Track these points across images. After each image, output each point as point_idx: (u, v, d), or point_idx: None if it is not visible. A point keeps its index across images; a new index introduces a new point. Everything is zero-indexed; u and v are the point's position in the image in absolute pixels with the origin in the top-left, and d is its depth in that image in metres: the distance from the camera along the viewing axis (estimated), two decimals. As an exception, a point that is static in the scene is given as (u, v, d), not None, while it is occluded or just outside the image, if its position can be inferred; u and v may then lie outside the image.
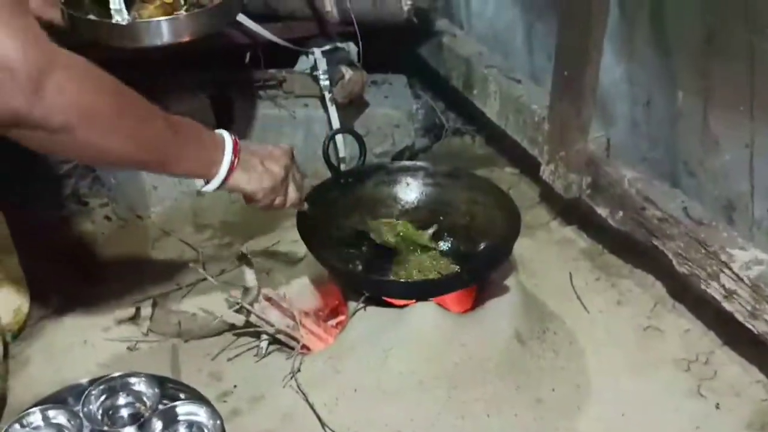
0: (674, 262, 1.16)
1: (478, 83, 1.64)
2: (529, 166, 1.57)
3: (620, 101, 1.29)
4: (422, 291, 1.11)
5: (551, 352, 1.17)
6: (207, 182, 0.94)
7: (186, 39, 1.16)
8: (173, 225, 1.51)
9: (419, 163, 1.32)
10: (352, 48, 1.58)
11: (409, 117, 1.67)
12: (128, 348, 1.19)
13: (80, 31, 1.16)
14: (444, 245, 1.24)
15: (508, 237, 1.12)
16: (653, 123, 1.25)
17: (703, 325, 1.22)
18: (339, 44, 1.50)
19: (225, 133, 0.96)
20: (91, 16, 1.19)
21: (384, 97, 1.66)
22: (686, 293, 1.24)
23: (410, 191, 1.31)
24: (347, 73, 1.44)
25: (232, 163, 0.94)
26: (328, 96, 1.46)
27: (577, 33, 1.20)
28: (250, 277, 1.15)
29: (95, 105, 0.76)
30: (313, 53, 1.49)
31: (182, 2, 1.26)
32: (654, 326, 1.24)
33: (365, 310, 1.14)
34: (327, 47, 1.50)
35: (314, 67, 1.50)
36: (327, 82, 1.47)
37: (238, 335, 1.19)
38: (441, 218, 1.28)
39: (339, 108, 1.48)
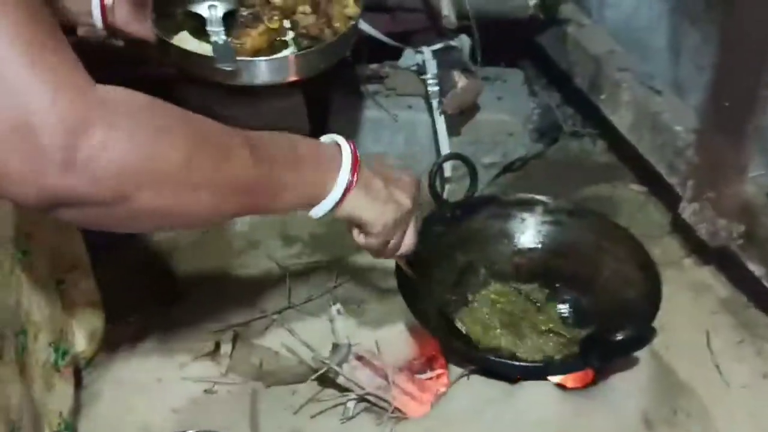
0: None
1: (608, 88, 1.43)
2: (660, 185, 1.36)
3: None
4: (540, 372, 0.96)
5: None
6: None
7: (293, 79, 1.03)
8: (259, 234, 1.39)
9: (537, 197, 1.14)
10: (464, 42, 1.39)
11: (524, 124, 1.48)
12: (205, 391, 1.08)
13: (172, 58, 1.04)
14: (563, 308, 1.07)
15: (647, 313, 0.94)
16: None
17: None
18: (452, 42, 1.31)
19: (340, 140, 0.77)
20: (189, 47, 1.06)
21: (497, 98, 1.47)
22: None
23: (526, 228, 1.14)
24: (460, 80, 1.26)
25: (350, 182, 0.74)
26: (436, 106, 1.28)
27: (747, 62, 0.98)
28: (340, 329, 1.02)
29: (154, 161, 0.57)
30: (421, 52, 1.31)
31: (288, 27, 1.12)
32: (811, 411, 1.04)
33: (468, 378, 0.99)
34: (438, 45, 1.31)
35: (422, 68, 1.33)
36: (436, 89, 1.29)
37: (323, 385, 1.07)
38: (560, 264, 1.11)
39: (447, 118, 1.30)
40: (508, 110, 1.46)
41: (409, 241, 0.87)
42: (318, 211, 0.76)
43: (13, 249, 0.86)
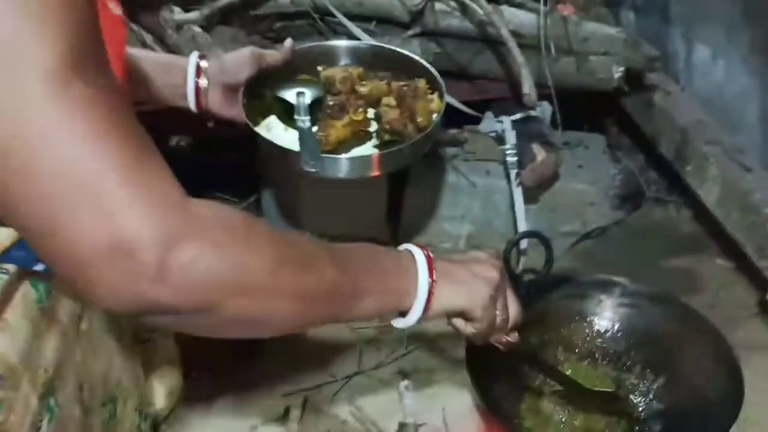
0: None
1: (695, 160, 1.39)
2: (748, 262, 1.31)
3: None
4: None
5: None
6: (403, 315, 0.77)
7: (375, 174, 1.06)
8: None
9: (615, 279, 1.11)
10: (546, 110, 1.38)
11: (605, 194, 1.45)
12: (273, 457, 1.10)
13: (259, 146, 1.08)
14: (637, 400, 1.04)
15: (725, 419, 0.90)
16: None
17: None
18: (532, 113, 1.30)
19: (413, 248, 0.78)
20: (275, 132, 1.10)
21: (578, 166, 1.45)
22: None
23: (602, 310, 1.11)
24: (539, 153, 1.25)
25: (431, 282, 0.75)
26: (514, 177, 1.27)
27: None
28: (408, 405, 1.02)
29: (243, 274, 0.59)
30: (501, 121, 1.30)
31: (371, 118, 1.14)
32: None
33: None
34: (518, 116, 1.31)
35: (501, 139, 1.32)
36: (515, 159, 1.28)
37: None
38: (635, 352, 1.07)
39: (525, 189, 1.29)
40: (588, 178, 1.43)
41: (514, 310, 0.87)
42: (410, 319, 0.77)
43: (103, 314, 0.90)
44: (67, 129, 0.51)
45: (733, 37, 1.34)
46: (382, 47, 1.24)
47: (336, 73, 1.18)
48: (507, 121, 1.29)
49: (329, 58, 1.23)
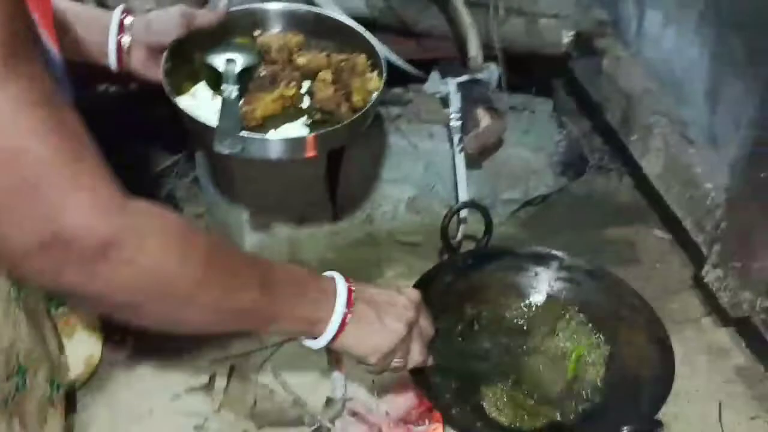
0: None
1: (639, 130, 1.37)
2: (685, 235, 1.30)
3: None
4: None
5: None
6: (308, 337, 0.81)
7: (304, 156, 0.99)
8: (267, 256, 1.35)
9: (553, 252, 1.09)
10: (492, 73, 1.33)
11: (549, 161, 1.42)
12: (195, 427, 1.06)
13: (181, 121, 1.00)
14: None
15: (656, 399, 0.89)
16: None
17: None
18: (479, 75, 1.25)
19: (339, 280, 0.81)
20: (202, 102, 1.02)
21: (523, 132, 1.41)
22: None
23: (539, 284, 1.09)
24: (484, 119, 1.21)
25: (344, 319, 0.79)
26: (456, 142, 1.23)
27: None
28: (338, 384, 0.99)
29: (170, 282, 0.63)
30: (446, 83, 1.25)
31: (304, 92, 1.06)
32: (821, 505, 1.00)
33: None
34: (464, 78, 1.26)
35: (445, 101, 1.27)
36: (459, 124, 1.24)
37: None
38: (567, 323, 1.06)
39: (468, 156, 1.25)
40: (532, 145, 1.40)
41: (416, 356, 0.88)
42: (316, 344, 0.80)
43: (9, 286, 0.84)
44: (4, 126, 0.52)
45: (686, 5, 1.30)
46: (325, 15, 1.15)
47: (273, 40, 1.10)
48: (452, 84, 1.24)
49: (267, 22, 1.15)
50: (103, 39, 0.99)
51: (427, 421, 1.06)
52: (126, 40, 1.00)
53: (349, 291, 0.79)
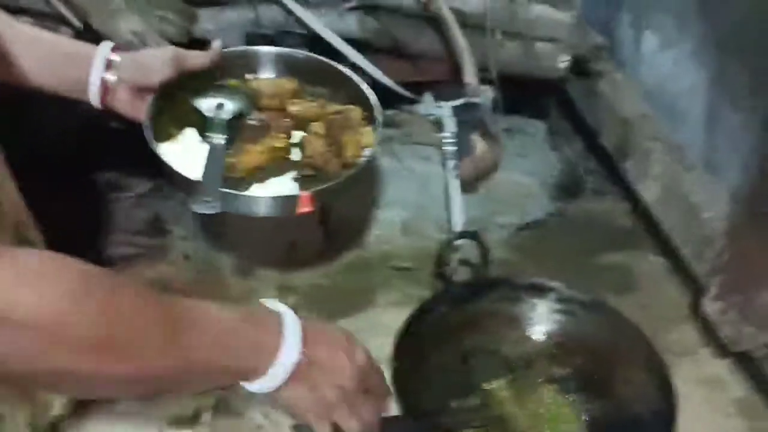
0: None
1: (636, 155, 1.34)
2: (683, 263, 1.28)
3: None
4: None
5: None
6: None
7: (294, 214, 0.95)
8: (255, 283, 1.32)
9: (551, 284, 1.06)
10: (488, 96, 1.31)
11: (544, 184, 1.40)
12: (180, 464, 1.02)
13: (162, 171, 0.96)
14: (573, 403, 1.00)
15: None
16: None
17: None
18: (474, 99, 1.23)
19: (285, 314, 0.70)
20: (179, 168, 0.95)
21: (517, 155, 1.39)
22: None
23: (536, 315, 1.06)
24: (479, 145, 1.18)
25: (285, 380, 0.68)
26: (451, 168, 1.20)
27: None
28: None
29: (63, 326, 0.54)
30: (440, 107, 1.23)
31: (294, 143, 1.03)
32: None
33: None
34: (459, 102, 1.23)
35: (439, 123, 1.25)
36: (453, 149, 1.21)
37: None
38: (568, 360, 1.03)
39: (463, 181, 1.22)
40: (527, 169, 1.38)
41: (366, 417, 0.78)
42: (251, 388, 0.70)
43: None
44: None
45: (683, 29, 1.29)
46: (322, 61, 1.13)
47: (265, 85, 1.07)
48: (446, 107, 1.21)
49: (260, 66, 1.12)
50: (81, 74, 0.94)
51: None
52: (111, 78, 0.96)
53: (303, 345, 0.68)
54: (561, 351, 1.04)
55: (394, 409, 0.93)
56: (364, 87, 1.08)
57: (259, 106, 1.05)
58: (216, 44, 1.03)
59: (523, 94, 1.47)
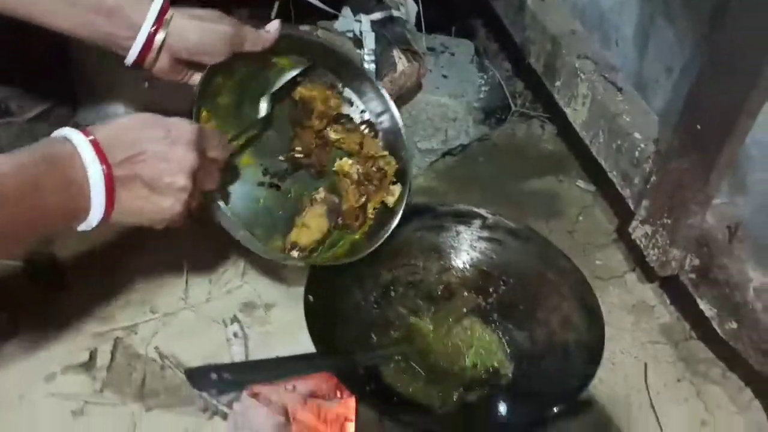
0: (800, 419, 0.86)
1: (565, 74, 1.28)
2: (610, 185, 1.24)
3: (764, 171, 0.94)
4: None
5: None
6: None
7: None
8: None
9: (476, 210, 1.00)
10: (411, 10, 1.21)
11: (469, 108, 1.32)
12: (73, 412, 0.93)
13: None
14: (494, 340, 0.95)
15: (584, 370, 0.82)
16: (806, 212, 0.91)
17: (813, 483, 0.95)
18: (395, 13, 1.13)
19: (80, 146, 0.62)
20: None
21: (442, 76, 1.30)
22: (796, 428, 0.96)
23: (460, 244, 1.00)
24: (401, 62, 1.09)
25: (108, 204, 0.64)
26: (371, 88, 1.11)
27: (732, 86, 0.84)
28: (237, 351, 0.88)
29: None
30: (359, 21, 1.12)
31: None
32: (745, 470, 0.96)
33: (379, 420, 0.87)
34: (379, 15, 1.13)
35: (359, 40, 1.14)
36: (373, 66, 1.11)
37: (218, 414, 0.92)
38: (492, 288, 0.98)
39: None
40: (452, 91, 1.30)
41: (209, 188, 0.74)
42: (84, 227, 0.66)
43: None
44: None
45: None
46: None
47: (316, 95, 0.98)
48: (366, 22, 1.11)
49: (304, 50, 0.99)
50: (121, 25, 0.78)
51: (339, 395, 0.97)
52: (159, 38, 0.80)
53: (100, 157, 0.62)
54: (485, 280, 0.98)
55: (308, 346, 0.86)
56: (395, 112, 1.03)
57: (302, 122, 0.98)
58: (274, 26, 0.89)
59: (449, 11, 1.38)
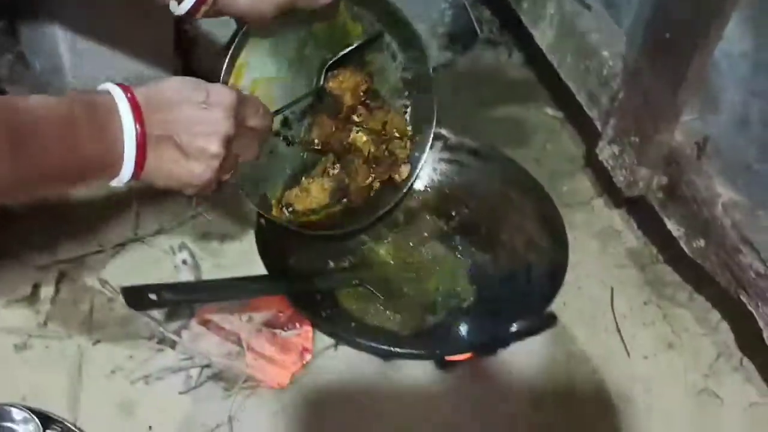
0: (766, 334, 0.85)
1: (532, -6, 1.22)
2: (578, 113, 1.20)
3: (733, 86, 0.90)
4: (419, 357, 0.80)
5: (575, 419, 0.89)
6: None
7: None
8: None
9: (437, 130, 0.96)
10: None
11: (433, 32, 1.26)
12: (16, 346, 0.88)
13: None
14: (456, 263, 0.91)
15: (548, 288, 0.79)
16: (775, 125, 0.88)
17: (778, 399, 0.94)
18: None
19: (118, 99, 0.58)
20: None
21: (404, -2, 1.24)
22: (761, 348, 0.94)
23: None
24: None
25: (139, 158, 0.59)
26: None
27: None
28: (186, 279, 0.84)
29: None
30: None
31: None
32: (711, 390, 0.95)
33: (336, 349, 0.84)
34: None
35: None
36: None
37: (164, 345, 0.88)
38: (455, 212, 0.94)
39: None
40: (416, 15, 1.22)
41: (249, 158, 0.69)
42: (119, 182, 0.61)
43: None
44: None
45: None
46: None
47: (347, 88, 0.90)
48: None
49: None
50: None
51: (297, 325, 0.93)
52: None
53: (136, 113, 0.59)
54: (447, 203, 0.95)
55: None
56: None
57: (330, 111, 0.90)
58: None
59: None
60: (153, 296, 0.64)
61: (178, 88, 0.62)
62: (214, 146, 0.62)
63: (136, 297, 0.65)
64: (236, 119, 0.64)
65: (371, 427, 0.82)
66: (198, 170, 0.62)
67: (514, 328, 0.71)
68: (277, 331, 0.91)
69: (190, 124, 0.61)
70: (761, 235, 0.85)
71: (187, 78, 0.64)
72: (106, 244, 1.00)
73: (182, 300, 0.75)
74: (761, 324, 0.85)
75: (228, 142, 0.63)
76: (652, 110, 0.93)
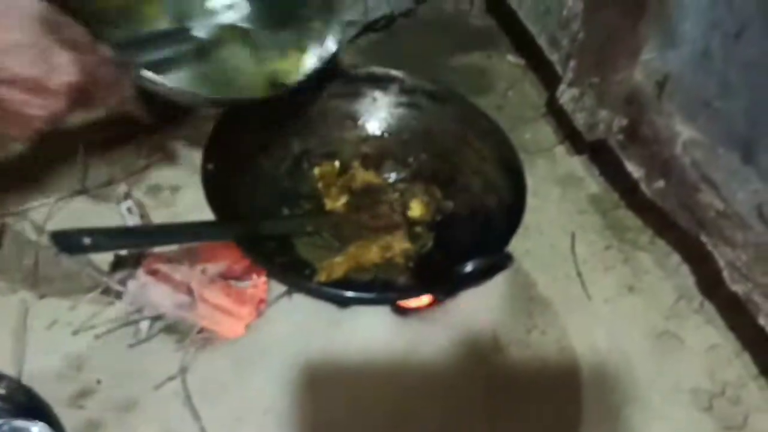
0: (726, 274, 0.84)
1: (491, -63, 1.19)
2: (540, 59, 1.17)
3: (695, 20, 0.88)
4: (375, 302, 0.78)
5: (537, 362, 0.88)
6: None
7: None
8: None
9: (392, 73, 0.93)
10: None
11: (391, -23, 1.23)
12: (-43, 302, 0.85)
13: None
14: (413, 208, 0.89)
15: (505, 230, 0.77)
16: (736, 61, 0.86)
17: (737, 341, 0.93)
18: None
19: None
20: None
21: (360, -61, 1.20)
22: (721, 290, 0.93)
23: (377, 111, 0.93)
24: None
25: None
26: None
27: None
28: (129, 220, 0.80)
29: None
30: None
31: None
32: (672, 332, 0.94)
33: (290, 298, 0.81)
34: None
35: None
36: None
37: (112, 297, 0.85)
38: (412, 158, 0.92)
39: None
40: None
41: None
42: None
43: None
44: None
45: None
46: None
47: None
48: None
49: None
50: None
51: (254, 276, 0.91)
52: None
53: None
54: (405, 147, 0.92)
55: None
56: None
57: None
58: None
59: None
60: (87, 240, 0.61)
61: None
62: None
63: (69, 241, 0.62)
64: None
65: (328, 377, 0.80)
66: None
67: (468, 267, 0.69)
68: (232, 282, 0.88)
69: None
70: (720, 173, 0.84)
71: None
72: (51, 195, 0.96)
73: (120, 245, 0.72)
74: (721, 263, 0.84)
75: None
76: (612, 48, 0.91)
